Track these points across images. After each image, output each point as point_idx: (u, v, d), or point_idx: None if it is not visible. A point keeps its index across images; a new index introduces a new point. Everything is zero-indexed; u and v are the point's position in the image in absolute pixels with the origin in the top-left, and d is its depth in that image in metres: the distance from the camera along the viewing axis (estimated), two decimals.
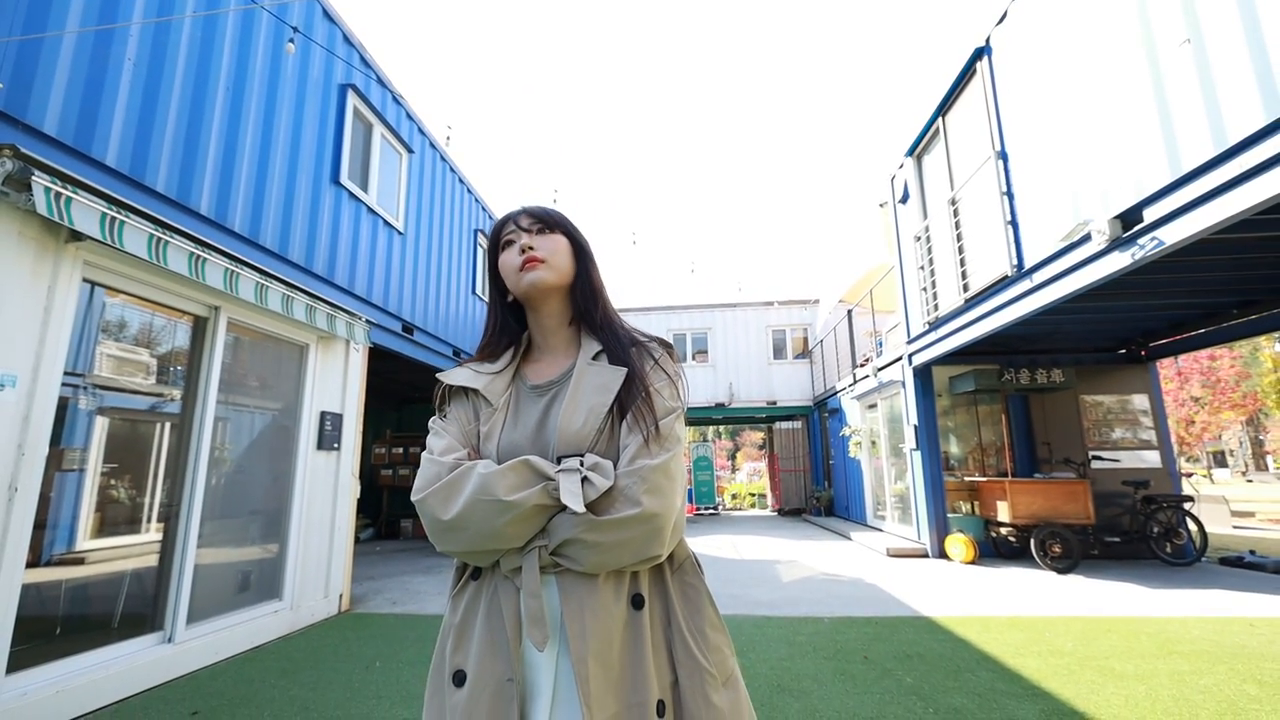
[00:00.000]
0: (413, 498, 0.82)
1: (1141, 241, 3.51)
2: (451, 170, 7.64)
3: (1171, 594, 4.85)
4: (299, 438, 4.55)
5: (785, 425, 13.96)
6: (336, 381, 4.95)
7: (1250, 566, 6.08)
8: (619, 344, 0.90)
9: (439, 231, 7.13)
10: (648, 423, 0.80)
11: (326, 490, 4.70)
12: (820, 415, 12.84)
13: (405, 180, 6.38)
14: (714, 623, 0.84)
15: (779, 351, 13.84)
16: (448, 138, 6.63)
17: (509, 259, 0.97)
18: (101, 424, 3.38)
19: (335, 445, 4.80)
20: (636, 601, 0.77)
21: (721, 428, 35.18)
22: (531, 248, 0.97)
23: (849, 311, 10.81)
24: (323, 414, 4.73)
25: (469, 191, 8.10)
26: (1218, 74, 2.98)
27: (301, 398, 4.67)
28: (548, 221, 0.98)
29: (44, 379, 2.86)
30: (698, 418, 15.59)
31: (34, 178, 2.67)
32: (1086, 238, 3.98)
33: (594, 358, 0.90)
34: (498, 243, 1.01)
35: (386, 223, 5.93)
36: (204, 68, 3.81)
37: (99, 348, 3.41)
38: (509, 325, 1.02)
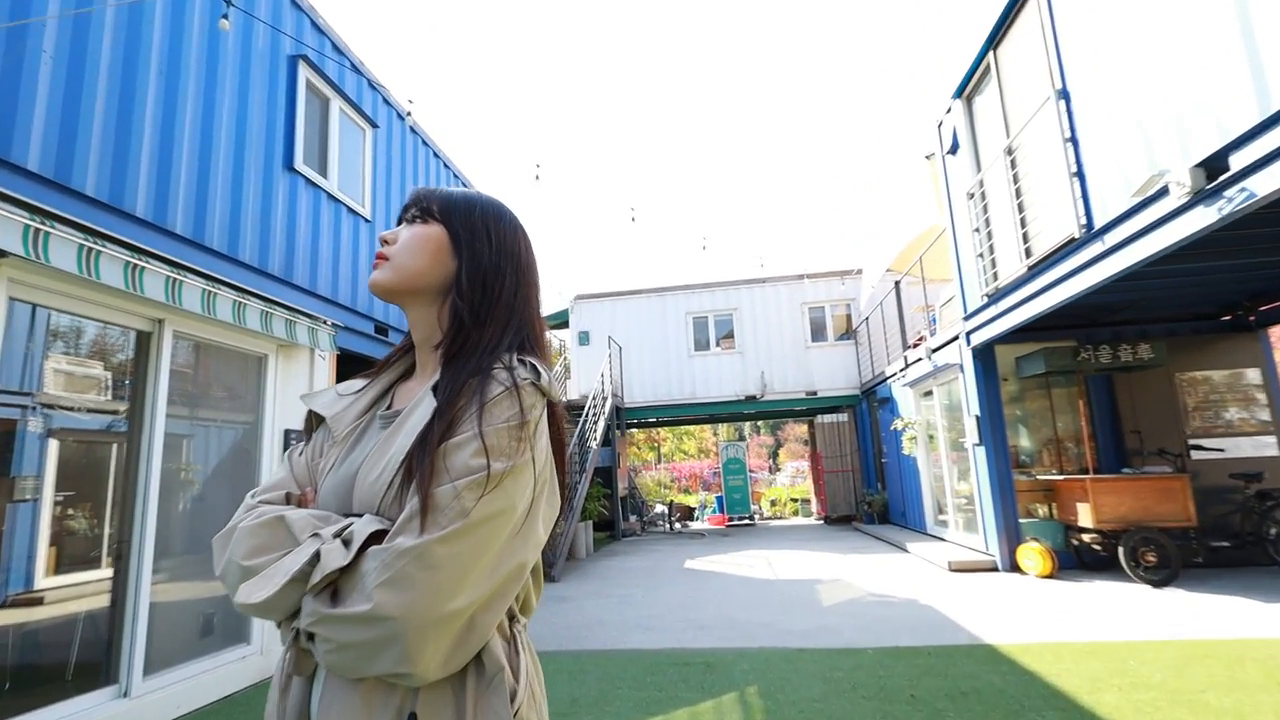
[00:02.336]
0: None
1: (1229, 194, 3.41)
2: (424, 144, 7.69)
3: None
4: (261, 461, 4.63)
5: (828, 418, 13.98)
6: (300, 393, 5.02)
7: None
8: (459, 371, 0.79)
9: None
10: (423, 486, 0.69)
11: None
12: (869, 406, 12.81)
13: (370, 159, 6.43)
14: None
15: (818, 332, 13.83)
16: (409, 112, 6.66)
17: None
18: (54, 447, 3.52)
19: None
20: None
21: (759, 423, 35.13)
22: (386, 242, 0.90)
23: (896, 283, 10.67)
24: (286, 433, 4.80)
25: (446, 166, 8.15)
26: None
27: (262, 416, 4.74)
28: (426, 208, 0.90)
29: None
30: (725, 413, 15.63)
31: None
32: (1164, 191, 3.88)
33: (435, 386, 0.81)
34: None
35: (350, 210, 5.98)
36: (132, 53, 3.89)
37: (47, 363, 3.56)
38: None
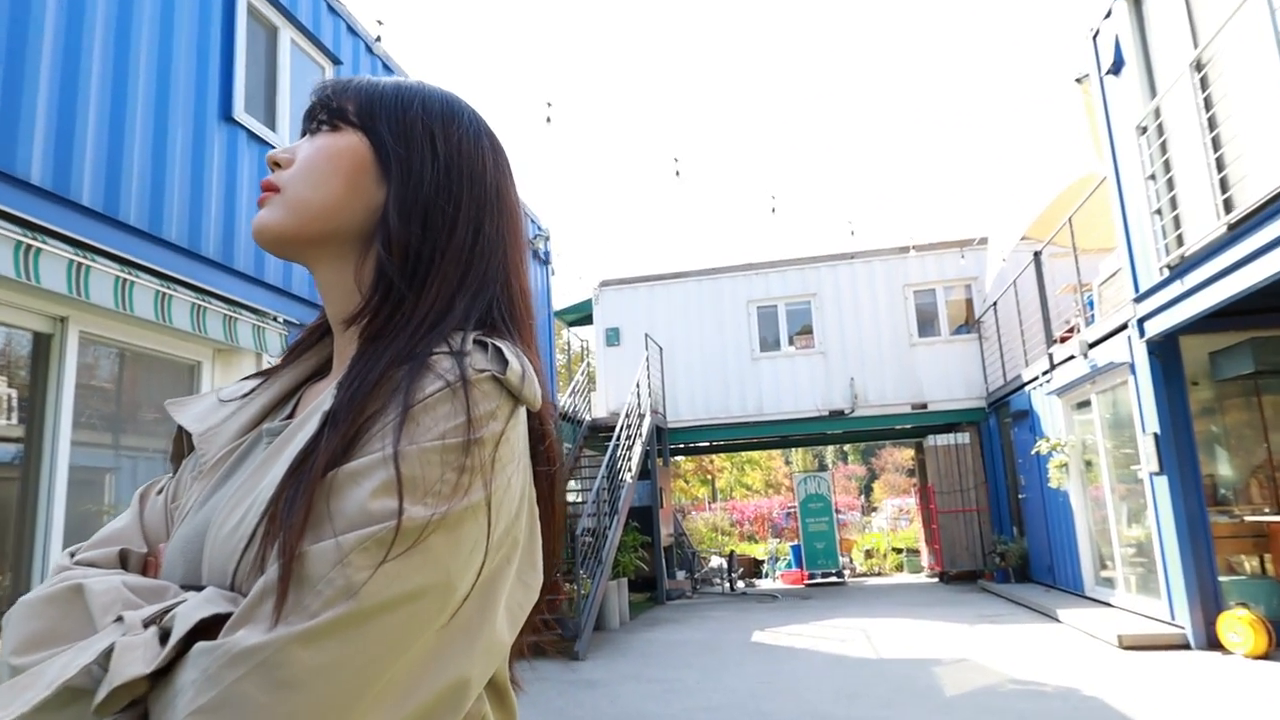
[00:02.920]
0: None
1: None
2: None
3: None
4: None
5: (942, 440, 13.69)
6: None
7: None
8: (376, 356, 0.70)
9: None
10: (289, 542, 0.59)
11: None
12: (999, 422, 12.79)
13: None
14: None
15: (927, 324, 13.79)
16: (378, 37, 6.71)
17: None
18: None
19: None
20: None
21: (846, 446, 34.89)
22: (278, 165, 0.80)
23: (1036, 254, 10.53)
24: None
25: None
26: None
27: None
28: (337, 108, 0.81)
29: None
30: (801, 435, 15.47)
31: None
32: None
33: (339, 383, 0.71)
34: None
35: None
36: None
37: None
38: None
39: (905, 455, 32.85)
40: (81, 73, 4.22)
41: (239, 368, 5.21)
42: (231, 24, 5.51)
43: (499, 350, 0.69)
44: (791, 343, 14.07)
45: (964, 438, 13.58)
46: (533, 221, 12.57)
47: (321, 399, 0.72)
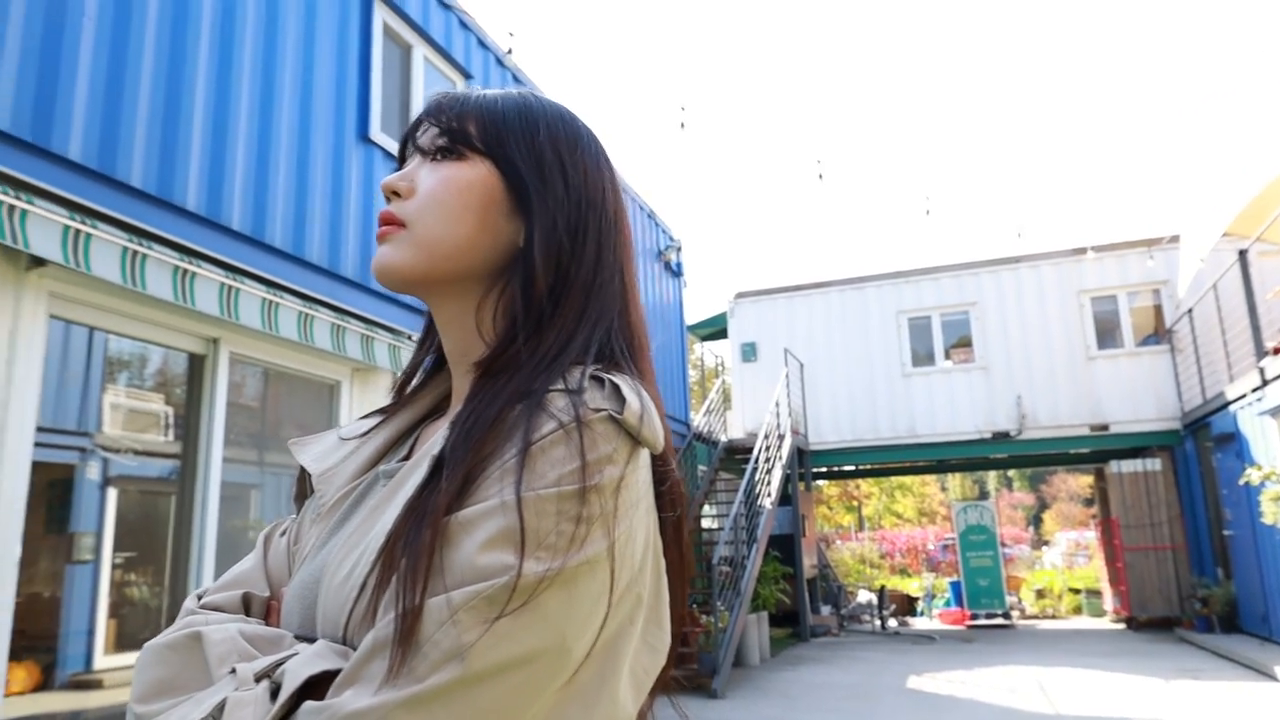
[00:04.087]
0: None
1: None
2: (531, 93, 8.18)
3: None
4: None
5: (1128, 466, 13.03)
6: None
7: None
8: (493, 393, 0.70)
9: None
10: (403, 594, 0.59)
11: None
12: (1198, 446, 12.23)
13: None
14: None
15: (1108, 335, 13.26)
16: (509, 50, 7.00)
17: None
18: (113, 498, 3.93)
19: None
20: None
21: (1011, 472, 33.24)
22: (396, 194, 0.79)
23: (1242, 253, 9.99)
24: None
25: None
26: None
27: None
28: (458, 131, 0.79)
29: (10, 446, 3.43)
30: (960, 459, 14.94)
31: None
32: None
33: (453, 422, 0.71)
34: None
35: None
36: (181, 14, 4.38)
37: (104, 396, 4.01)
38: (435, 332, 0.88)
39: (1082, 482, 31.21)
40: (231, 107, 4.62)
41: (376, 386, 5.51)
42: (368, 44, 5.90)
43: (616, 387, 0.67)
44: (948, 357, 13.70)
45: (1154, 464, 12.90)
46: (664, 232, 12.75)
47: (434, 440, 0.72)
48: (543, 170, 0.79)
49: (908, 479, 26.54)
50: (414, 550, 0.60)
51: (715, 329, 16.93)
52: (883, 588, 15.22)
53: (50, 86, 3.74)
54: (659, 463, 0.71)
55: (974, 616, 13.98)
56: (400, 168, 0.84)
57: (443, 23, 6.81)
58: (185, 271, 3.95)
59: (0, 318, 3.48)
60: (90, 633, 3.89)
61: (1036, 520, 33.68)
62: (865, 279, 14.36)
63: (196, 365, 4.48)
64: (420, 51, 6.52)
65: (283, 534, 0.87)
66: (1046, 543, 26.61)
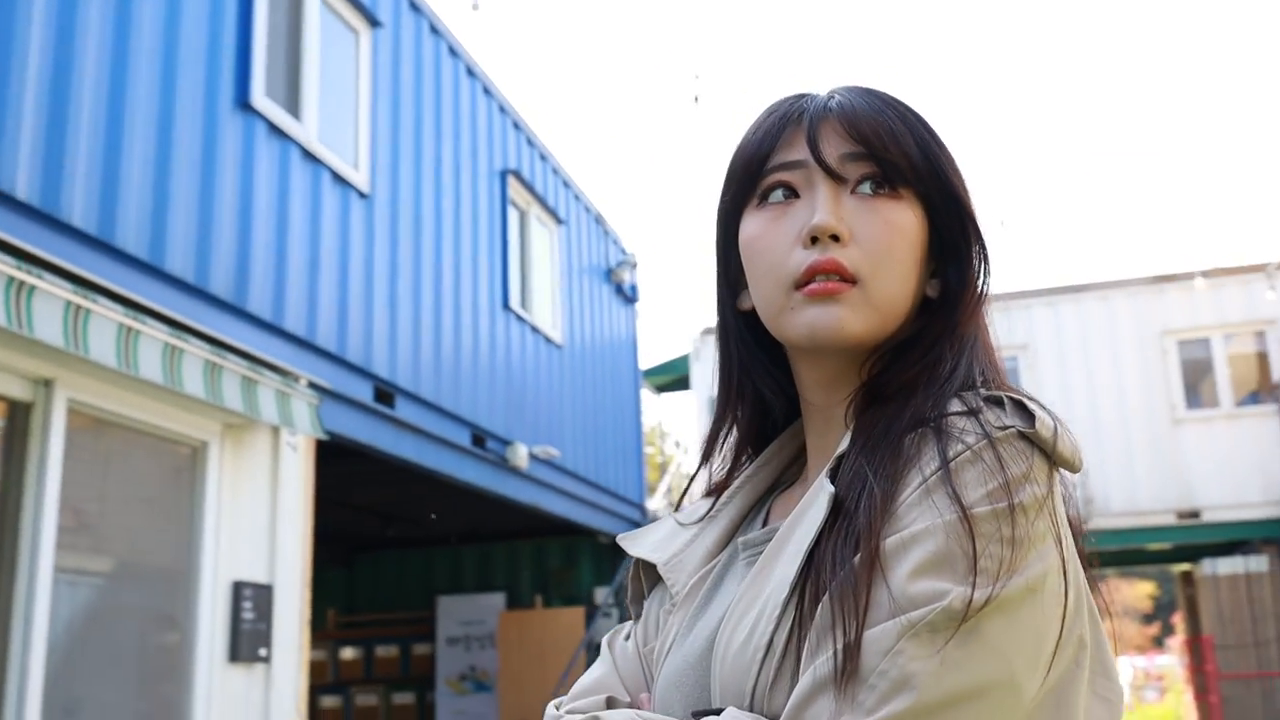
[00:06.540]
0: None
1: None
2: (453, 53, 7.77)
3: None
4: (195, 638, 4.75)
5: (1226, 566, 12.72)
6: (260, 515, 5.14)
7: None
8: (888, 421, 0.78)
9: (435, 183, 7.30)
10: (839, 635, 0.66)
11: None
12: None
13: (368, 84, 6.53)
14: None
15: (1196, 391, 12.92)
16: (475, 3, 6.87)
17: (769, 240, 0.86)
18: None
19: (262, 653, 5.02)
20: None
21: None
22: (836, 238, 0.81)
23: None
24: (236, 587, 4.96)
25: (490, 96, 8.36)
26: None
27: (197, 556, 4.80)
28: (898, 167, 0.83)
29: None
30: None
31: None
32: None
33: (832, 468, 0.80)
34: (746, 188, 0.90)
35: (337, 176, 6.10)
36: None
37: None
38: (755, 388, 0.98)
39: (1139, 592, 32.62)
40: (75, 62, 4.28)
41: (250, 450, 5.08)
42: None
43: (1019, 404, 0.75)
44: None
45: (1260, 563, 12.56)
46: (615, 243, 11.50)
47: (813, 490, 0.82)
48: (958, 211, 0.88)
49: None
50: (845, 582, 0.70)
51: (673, 376, 16.29)
52: None
53: None
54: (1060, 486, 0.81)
55: None
56: (764, 153, 0.89)
57: None
58: (21, 285, 3.57)
59: None
60: None
61: None
62: None
63: (19, 418, 4.10)
64: None
65: (626, 638, 1.01)
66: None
